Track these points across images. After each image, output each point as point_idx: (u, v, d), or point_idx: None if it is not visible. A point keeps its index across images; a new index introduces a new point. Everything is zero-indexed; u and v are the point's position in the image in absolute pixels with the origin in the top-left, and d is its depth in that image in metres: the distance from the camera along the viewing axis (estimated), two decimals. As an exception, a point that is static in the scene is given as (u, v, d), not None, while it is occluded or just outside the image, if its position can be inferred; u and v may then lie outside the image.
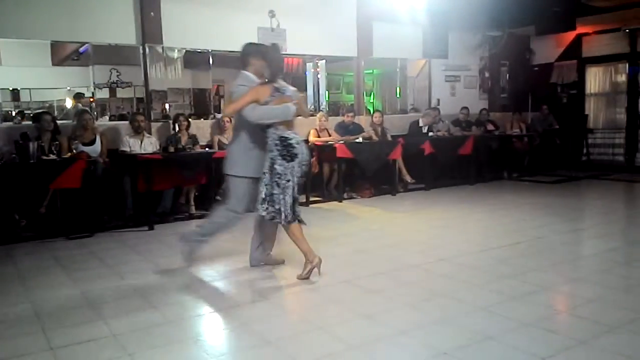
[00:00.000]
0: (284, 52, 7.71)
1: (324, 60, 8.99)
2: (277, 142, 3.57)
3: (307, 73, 9.54)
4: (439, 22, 8.89)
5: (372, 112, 9.00)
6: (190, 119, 6.64)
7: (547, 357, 2.44)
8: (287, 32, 7.52)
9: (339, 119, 7.97)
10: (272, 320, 3.03)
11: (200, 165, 6.05)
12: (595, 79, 10.37)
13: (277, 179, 3.55)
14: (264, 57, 3.70)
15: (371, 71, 10.25)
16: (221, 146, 6.42)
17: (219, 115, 7.31)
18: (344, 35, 8.17)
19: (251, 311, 3.18)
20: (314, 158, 6.99)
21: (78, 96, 8.47)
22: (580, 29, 9.98)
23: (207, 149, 6.52)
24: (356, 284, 3.61)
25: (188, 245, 4.02)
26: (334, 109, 9.66)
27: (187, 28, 6.75)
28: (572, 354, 2.47)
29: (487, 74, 10.24)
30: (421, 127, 8.42)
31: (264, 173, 3.59)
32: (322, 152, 7.15)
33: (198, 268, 4.04)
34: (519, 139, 9.44)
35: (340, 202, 7.05)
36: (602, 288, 3.43)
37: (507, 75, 10.59)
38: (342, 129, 7.67)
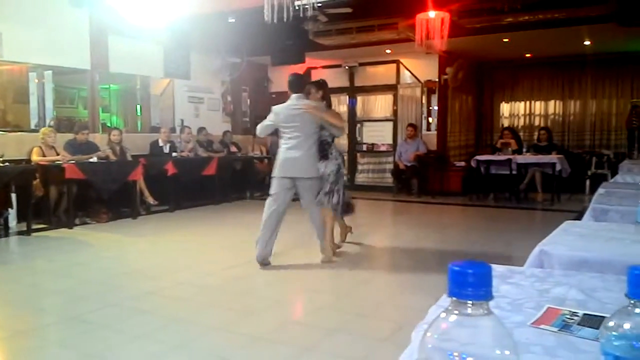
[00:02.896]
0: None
1: (50, 71, 8.03)
2: (339, 153, 4.82)
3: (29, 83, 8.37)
4: (180, 42, 8.86)
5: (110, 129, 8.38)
6: None
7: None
8: (3, 36, 6.52)
9: (70, 136, 7.20)
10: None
11: None
12: (323, 108, 11.67)
13: (340, 179, 4.74)
14: (322, 89, 4.76)
15: (108, 86, 9.58)
16: None
17: None
18: (74, 46, 7.46)
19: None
20: (37, 180, 6.15)
21: None
22: (310, 63, 11.15)
23: None
24: (83, 320, 3.24)
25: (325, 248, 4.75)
26: (68, 125, 8.72)
27: None
28: (297, 362, 2.64)
29: (229, 98, 10.61)
30: (161, 146, 8.21)
31: (328, 175, 4.64)
32: (47, 172, 6.31)
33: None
34: (260, 161, 10.00)
35: (71, 228, 6.31)
36: (328, 295, 3.80)
37: (248, 100, 11.16)
38: (73, 147, 6.93)
